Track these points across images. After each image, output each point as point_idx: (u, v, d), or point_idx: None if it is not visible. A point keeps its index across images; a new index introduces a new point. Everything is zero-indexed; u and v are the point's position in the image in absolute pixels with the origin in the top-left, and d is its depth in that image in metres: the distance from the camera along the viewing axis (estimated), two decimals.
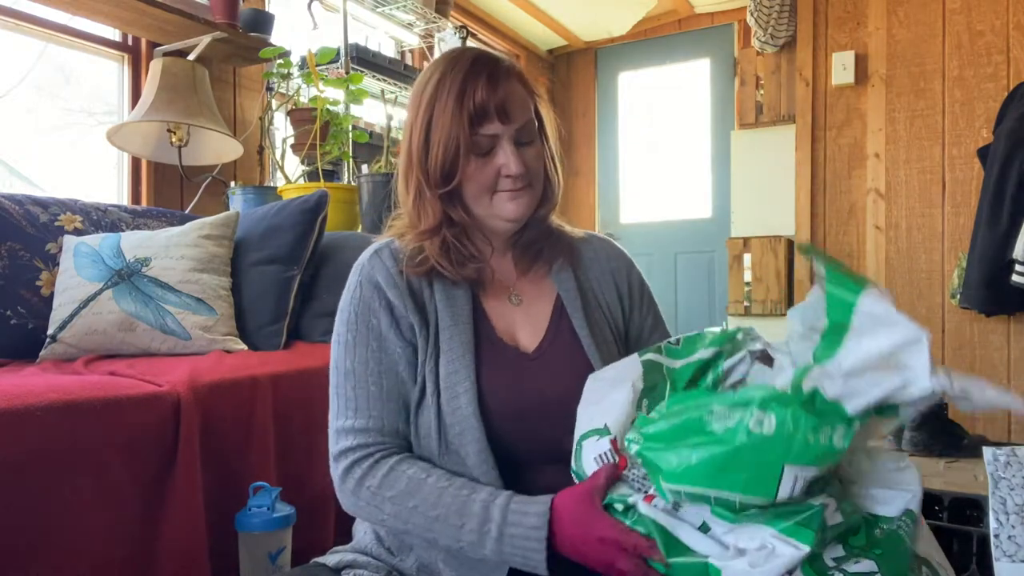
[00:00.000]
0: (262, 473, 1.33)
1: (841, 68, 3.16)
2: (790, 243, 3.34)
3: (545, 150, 0.99)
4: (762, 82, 3.52)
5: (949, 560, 0.80)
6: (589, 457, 0.81)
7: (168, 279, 1.59)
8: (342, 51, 2.65)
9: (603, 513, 0.78)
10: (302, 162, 2.39)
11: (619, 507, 0.78)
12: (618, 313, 1.05)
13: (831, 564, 0.69)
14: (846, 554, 0.70)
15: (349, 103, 2.48)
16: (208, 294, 1.62)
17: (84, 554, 1.07)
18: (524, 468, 0.90)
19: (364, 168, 2.50)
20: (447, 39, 3.17)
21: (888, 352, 0.66)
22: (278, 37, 2.50)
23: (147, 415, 1.18)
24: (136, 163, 2.38)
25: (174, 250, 1.64)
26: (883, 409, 0.68)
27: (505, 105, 0.92)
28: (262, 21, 2.44)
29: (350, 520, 1.03)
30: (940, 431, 2.14)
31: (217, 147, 2.31)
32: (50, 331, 1.53)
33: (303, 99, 2.47)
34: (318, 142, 2.28)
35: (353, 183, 2.54)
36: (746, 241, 3.43)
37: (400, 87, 2.94)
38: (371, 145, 2.64)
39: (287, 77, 2.44)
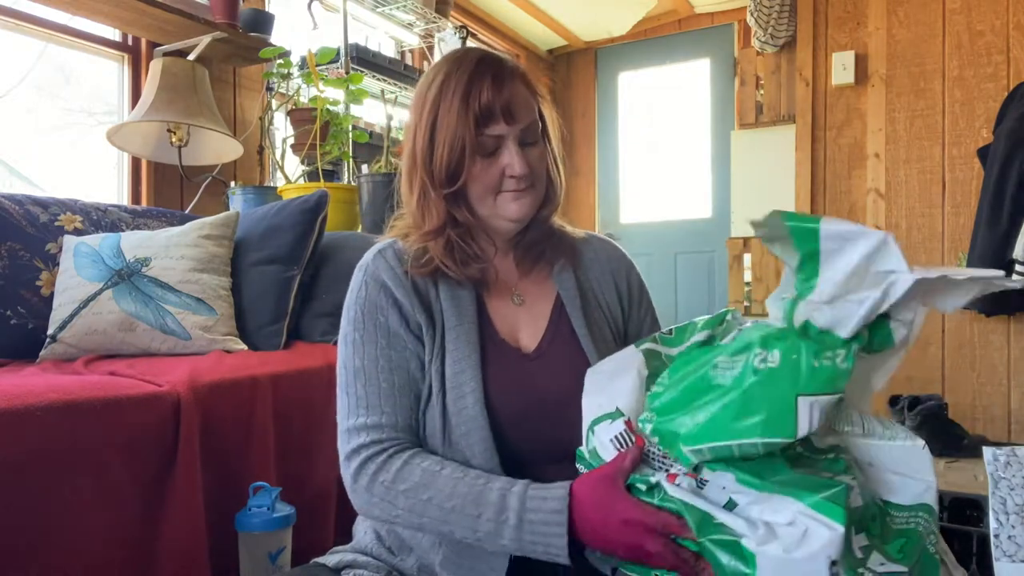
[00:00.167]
0: (262, 473, 1.33)
1: (841, 68, 3.16)
2: None
3: (548, 151, 0.99)
4: (762, 82, 3.52)
5: None
6: (605, 440, 0.80)
7: (168, 279, 1.59)
8: (342, 51, 2.65)
9: (626, 494, 0.76)
10: (302, 162, 2.39)
11: (642, 487, 0.76)
12: (618, 313, 1.06)
13: (860, 556, 0.68)
14: (869, 543, 0.69)
15: (349, 103, 2.48)
16: (208, 294, 1.62)
17: (84, 554, 1.07)
18: (527, 467, 0.90)
19: (364, 168, 2.50)
20: (447, 39, 3.17)
21: (862, 263, 0.66)
22: (278, 37, 2.49)
23: (147, 415, 1.18)
24: (136, 163, 2.38)
25: (174, 250, 1.64)
26: (876, 331, 0.68)
27: (510, 106, 0.92)
28: (262, 21, 2.44)
29: (350, 520, 1.03)
30: (940, 431, 2.15)
31: (217, 147, 2.31)
32: (50, 331, 1.53)
33: (303, 99, 2.47)
34: (318, 142, 2.28)
35: (353, 183, 2.54)
36: (746, 241, 3.43)
37: (400, 87, 2.93)
38: (371, 145, 2.64)
39: (287, 77, 2.44)
